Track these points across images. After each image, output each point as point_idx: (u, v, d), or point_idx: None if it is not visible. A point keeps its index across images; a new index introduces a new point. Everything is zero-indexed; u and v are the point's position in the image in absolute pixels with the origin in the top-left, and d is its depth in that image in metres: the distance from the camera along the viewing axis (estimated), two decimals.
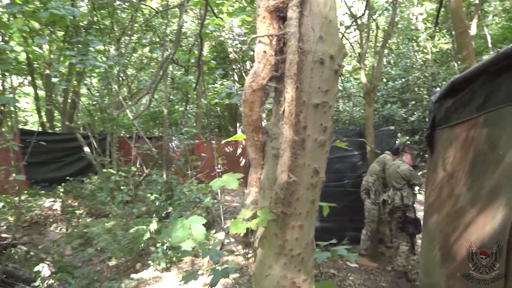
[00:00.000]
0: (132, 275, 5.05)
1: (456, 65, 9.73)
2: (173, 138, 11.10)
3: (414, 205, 4.98)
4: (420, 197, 10.91)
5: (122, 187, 8.64)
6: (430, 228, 2.84)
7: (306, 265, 1.31)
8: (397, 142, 7.43)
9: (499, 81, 2.07)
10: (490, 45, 11.28)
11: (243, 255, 1.47)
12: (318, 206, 1.36)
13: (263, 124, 1.35)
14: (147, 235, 5.27)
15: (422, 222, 3.18)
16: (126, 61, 10.52)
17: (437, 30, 12.84)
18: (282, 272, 1.29)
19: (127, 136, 12.12)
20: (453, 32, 10.29)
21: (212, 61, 8.69)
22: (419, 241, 6.59)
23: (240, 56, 13.09)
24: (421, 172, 5.34)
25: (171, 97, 13.72)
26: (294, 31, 1.16)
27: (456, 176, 2.50)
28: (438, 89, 12.00)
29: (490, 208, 2.05)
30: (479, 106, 2.27)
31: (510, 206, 1.86)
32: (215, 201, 7.40)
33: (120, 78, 10.75)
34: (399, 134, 11.21)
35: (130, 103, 9.15)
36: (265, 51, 1.24)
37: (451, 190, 2.55)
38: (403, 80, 12.82)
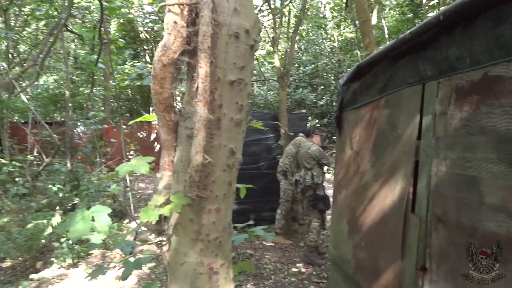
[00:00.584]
0: (32, 276, 4.53)
1: (359, 53, 10.53)
2: (79, 124, 10.17)
3: (324, 184, 5.31)
4: (329, 176, 11.75)
5: (17, 179, 7.65)
6: (339, 203, 3.02)
7: (223, 249, 1.27)
8: (308, 124, 7.81)
9: (397, 66, 2.24)
10: (386, 36, 12.41)
11: (156, 244, 1.37)
12: (235, 188, 1.32)
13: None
14: (49, 229, 4.75)
15: (331, 199, 3.37)
16: (17, 36, 9.21)
17: (343, 20, 13.70)
18: (198, 259, 1.22)
19: (22, 121, 10.76)
20: (357, 22, 11.07)
21: (120, 40, 8.04)
22: (329, 217, 7.11)
23: (152, 36, 12.39)
24: (329, 152, 5.69)
25: (74, 78, 12.47)
26: (207, 0, 1.07)
27: (361, 154, 2.68)
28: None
29: (390, 181, 2.24)
30: (381, 89, 2.43)
31: (407, 179, 2.05)
32: (127, 188, 7.00)
33: (10, 55, 9.41)
34: (310, 117, 11.82)
35: (25, 84, 8.06)
36: (175, 22, 1.13)
37: (357, 168, 2.73)
38: (313, 65, 13.49)
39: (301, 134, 6.39)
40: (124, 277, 1.55)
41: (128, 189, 6.83)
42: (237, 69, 1.19)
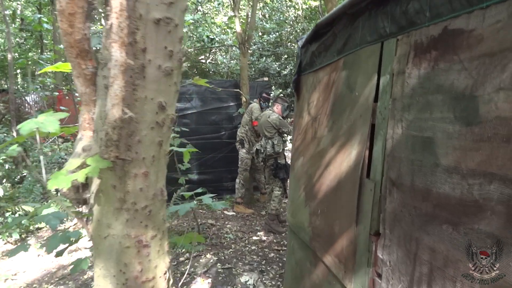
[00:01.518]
0: None
1: None
2: (28, 92, 9.40)
3: (285, 153, 5.25)
4: (290, 145, 11.77)
5: None
6: (297, 170, 2.94)
7: (154, 219, 1.11)
8: (271, 94, 7.67)
9: (356, 24, 2.10)
10: None
11: (76, 215, 1.18)
12: (167, 149, 1.15)
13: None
14: None
15: (290, 164, 3.28)
16: None
17: None
18: (124, 231, 1.06)
19: None
20: None
21: None
22: None
23: None
24: (290, 121, 5.62)
25: (18, 40, 11.43)
26: None
27: (319, 119, 2.57)
28: None
29: (346, 146, 2.15)
30: (339, 49, 2.30)
31: (362, 143, 1.96)
32: (39, 150, 6.63)
33: None
34: (273, 86, 11.66)
35: None
36: None
37: (314, 133, 2.63)
38: (277, 34, 13.18)
39: (254, 100, 6.28)
40: (50, 252, 1.37)
41: (39, 150, 6.42)
42: (164, 5, 0.99)
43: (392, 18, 1.76)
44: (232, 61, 12.99)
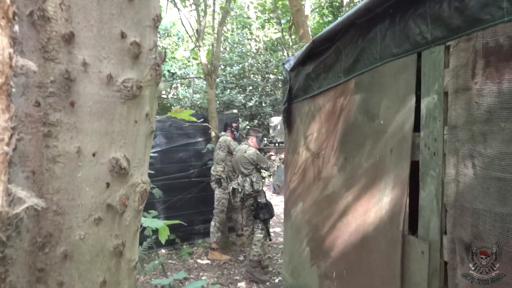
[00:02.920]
0: None
1: (286, 54, 10.20)
2: None
3: (264, 189, 4.72)
4: (267, 181, 11.30)
5: None
6: (295, 218, 2.37)
7: None
8: (234, 124, 7.21)
9: (372, 34, 1.64)
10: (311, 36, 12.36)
11: None
12: (135, 258, 0.58)
13: None
14: None
15: (284, 211, 2.71)
16: None
17: (267, 20, 13.38)
18: None
19: None
20: (282, 21, 10.77)
21: None
22: (277, 230, 6.55)
23: None
24: (267, 155, 5.13)
25: None
26: None
27: (323, 156, 2.05)
28: (272, 76, 12.55)
29: (371, 191, 1.62)
30: (348, 68, 1.83)
31: (401, 188, 1.44)
32: None
33: None
34: (239, 119, 11.26)
35: None
36: None
37: (317, 173, 2.10)
38: (240, 66, 12.95)
39: (223, 133, 5.78)
40: None
41: None
42: None
43: (434, 19, 1.30)
44: (195, 95, 12.50)
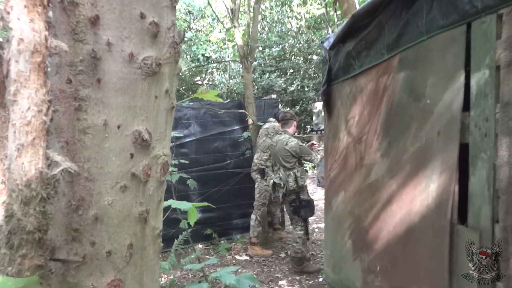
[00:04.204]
0: None
1: (330, 31, 10.03)
2: None
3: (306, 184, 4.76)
4: (310, 172, 11.32)
5: None
6: (336, 210, 2.41)
7: None
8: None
9: (417, 6, 1.63)
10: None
11: None
12: (159, 226, 0.67)
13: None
14: None
15: (324, 201, 2.76)
16: None
17: None
18: None
19: None
20: None
21: None
22: (316, 226, 6.60)
23: None
24: (306, 144, 5.14)
25: None
26: None
27: (365, 141, 2.07)
28: (315, 57, 12.40)
29: (418, 177, 1.63)
30: (391, 44, 1.83)
31: (449, 173, 1.44)
32: None
33: None
34: (280, 105, 11.28)
35: None
36: None
37: (359, 159, 2.13)
38: (280, 47, 12.92)
39: (271, 119, 5.80)
40: None
41: None
42: None
43: None
44: (231, 80, 12.68)
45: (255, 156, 5.83)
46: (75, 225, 0.57)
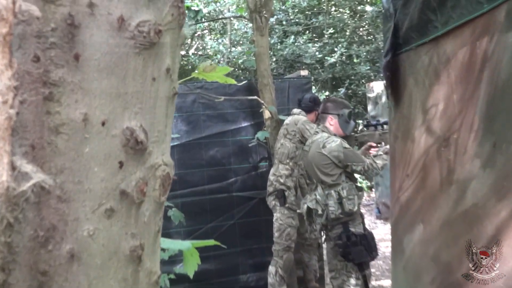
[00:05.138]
0: None
1: None
2: None
3: (361, 210, 4.82)
4: (365, 196, 11.39)
5: None
6: (410, 255, 2.51)
7: None
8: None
9: None
10: None
11: None
12: (157, 271, 0.75)
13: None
14: None
15: (391, 241, 2.84)
16: None
17: None
18: None
19: None
20: None
21: None
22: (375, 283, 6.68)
23: None
24: (357, 149, 5.20)
25: None
26: None
27: (455, 142, 2.17)
28: (369, 8, 12.50)
29: None
30: None
31: None
32: None
33: None
34: (314, 87, 11.37)
35: None
36: None
37: (447, 172, 2.23)
38: None
39: (295, 110, 5.86)
40: None
41: None
42: None
43: None
44: (234, 48, 12.85)
45: (271, 171, 5.91)
46: (43, 265, 0.63)
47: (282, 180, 5.68)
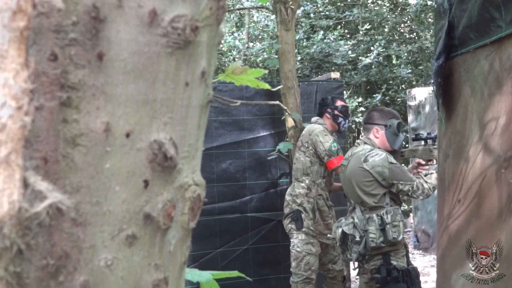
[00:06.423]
0: None
1: None
2: None
3: (405, 240, 4.81)
4: (409, 223, 11.39)
5: None
6: None
7: None
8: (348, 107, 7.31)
9: None
10: None
11: None
12: None
13: None
14: None
15: (436, 279, 2.82)
16: None
17: None
18: None
19: None
20: None
21: None
22: None
23: None
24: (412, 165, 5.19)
25: None
26: None
27: None
28: (413, 0, 12.53)
29: None
30: None
31: None
32: None
33: None
34: (345, 91, 11.38)
35: None
36: None
37: (508, 197, 2.21)
38: None
39: (313, 119, 5.86)
40: None
41: None
42: None
43: None
44: (252, 44, 12.91)
45: (288, 190, 5.91)
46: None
47: (298, 201, 5.67)
